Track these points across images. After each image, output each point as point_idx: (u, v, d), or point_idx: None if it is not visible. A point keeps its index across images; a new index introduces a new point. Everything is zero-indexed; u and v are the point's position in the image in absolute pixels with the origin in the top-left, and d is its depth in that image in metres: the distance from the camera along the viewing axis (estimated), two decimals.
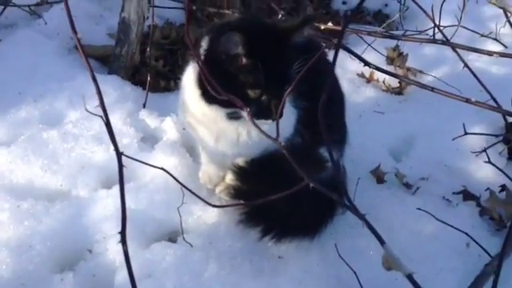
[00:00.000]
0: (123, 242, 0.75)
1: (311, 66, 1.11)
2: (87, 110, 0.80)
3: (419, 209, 1.37)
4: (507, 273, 1.22)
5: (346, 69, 2.11)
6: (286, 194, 1.14)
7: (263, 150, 1.18)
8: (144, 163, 0.98)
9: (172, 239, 1.23)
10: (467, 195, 1.55)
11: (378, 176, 1.56)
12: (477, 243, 1.32)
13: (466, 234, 1.33)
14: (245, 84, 1.04)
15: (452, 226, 1.33)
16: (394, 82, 2.02)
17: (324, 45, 1.26)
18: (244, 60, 1.04)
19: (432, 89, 1.17)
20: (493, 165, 1.35)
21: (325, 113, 1.21)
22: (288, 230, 1.24)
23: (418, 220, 1.40)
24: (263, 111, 1.06)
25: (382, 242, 0.75)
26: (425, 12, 1.56)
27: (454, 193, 1.55)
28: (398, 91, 2.00)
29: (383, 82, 2.02)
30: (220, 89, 0.97)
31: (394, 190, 1.53)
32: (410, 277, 0.70)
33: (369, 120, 1.84)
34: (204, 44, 1.11)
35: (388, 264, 0.72)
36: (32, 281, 1.07)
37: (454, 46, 1.29)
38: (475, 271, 1.24)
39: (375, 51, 2.08)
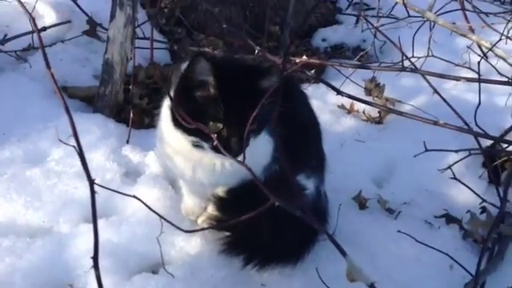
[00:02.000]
0: (95, 266, 0.75)
1: (287, 97, 1.16)
2: (61, 141, 0.82)
3: (399, 231, 1.38)
4: None
5: (328, 101, 2.17)
6: (266, 221, 1.17)
7: (241, 179, 1.20)
8: (117, 192, 1.00)
9: (154, 271, 1.22)
10: (449, 218, 1.57)
11: (360, 202, 1.58)
12: (459, 264, 1.33)
13: (448, 255, 1.34)
14: (207, 115, 1.07)
15: (434, 248, 1.34)
16: (373, 112, 2.07)
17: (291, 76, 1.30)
18: (210, 90, 1.07)
19: (401, 113, 1.22)
20: (458, 180, 1.39)
21: (300, 140, 1.26)
22: (271, 257, 1.24)
23: (400, 244, 1.41)
24: (222, 146, 1.07)
25: (344, 254, 0.76)
26: (393, 43, 1.64)
27: (435, 216, 1.58)
28: (378, 120, 2.05)
29: (363, 112, 2.07)
30: (186, 115, 1.00)
31: (377, 216, 1.55)
32: (372, 286, 0.71)
33: (350, 149, 1.89)
34: (183, 68, 1.16)
35: (351, 276, 0.73)
36: None
37: (422, 73, 1.34)
38: None
39: (354, 83, 2.15)
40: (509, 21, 2.13)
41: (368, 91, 2.14)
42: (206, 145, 1.10)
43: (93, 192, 0.78)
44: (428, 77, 1.54)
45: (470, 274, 1.31)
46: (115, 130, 1.70)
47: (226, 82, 1.06)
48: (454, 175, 1.36)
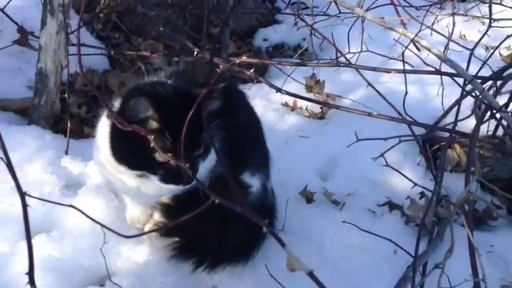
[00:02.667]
0: (31, 282, 0.72)
1: (225, 98, 1.17)
2: None
3: (345, 222, 1.42)
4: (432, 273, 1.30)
5: (271, 100, 2.20)
6: (214, 222, 1.17)
7: None
8: (52, 202, 0.96)
9: (102, 284, 1.19)
10: (391, 205, 1.64)
11: (307, 196, 1.61)
12: (402, 249, 1.39)
13: (391, 241, 1.39)
14: (153, 148, 1.04)
15: (377, 235, 1.40)
16: (316, 108, 2.12)
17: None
18: (153, 124, 1.06)
19: (338, 107, 1.26)
20: (392, 168, 1.47)
21: (241, 139, 1.27)
22: (220, 258, 1.24)
23: (347, 234, 1.46)
24: (172, 176, 1.08)
25: (282, 244, 0.78)
26: (328, 40, 1.69)
27: (378, 205, 1.64)
28: (320, 116, 2.10)
29: (306, 109, 2.12)
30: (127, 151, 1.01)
31: (323, 208, 1.59)
32: (311, 274, 0.73)
33: (295, 145, 1.92)
34: (116, 104, 1.14)
35: (291, 266, 0.75)
36: None
37: (355, 68, 1.39)
38: None
39: (295, 81, 2.19)
40: (427, 11, 2.24)
41: (309, 88, 2.19)
42: (152, 176, 1.08)
43: (25, 205, 0.75)
44: (364, 71, 1.60)
45: (412, 256, 1.37)
46: (53, 142, 1.63)
47: (169, 113, 1.05)
48: (386, 163, 1.42)
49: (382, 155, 1.40)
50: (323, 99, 2.17)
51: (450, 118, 1.92)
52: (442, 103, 1.97)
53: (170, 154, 1.05)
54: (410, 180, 1.52)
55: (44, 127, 1.73)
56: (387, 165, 1.41)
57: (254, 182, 1.32)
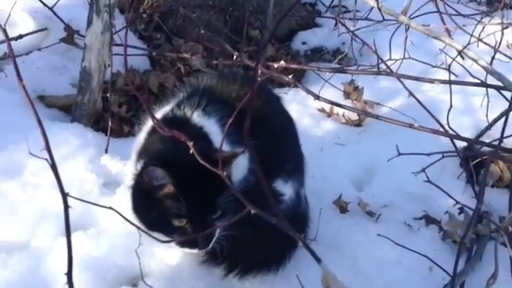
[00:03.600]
0: (69, 282, 0.74)
1: (258, 103, 1.16)
2: (32, 154, 0.81)
3: (379, 235, 1.39)
4: None
5: (308, 105, 2.18)
6: (246, 229, 1.16)
7: None
8: (93, 204, 0.99)
9: (135, 284, 1.21)
10: (428, 220, 1.59)
11: (341, 206, 1.59)
12: (438, 266, 1.35)
13: (427, 257, 1.35)
14: (169, 212, 1.06)
15: (413, 251, 1.36)
16: (353, 115, 2.09)
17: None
18: (169, 189, 1.07)
19: (377, 117, 1.23)
20: (432, 183, 1.41)
21: (274, 146, 1.26)
22: (252, 265, 1.24)
23: (381, 247, 1.43)
24: (187, 240, 1.09)
25: (318, 260, 0.77)
26: (368, 46, 1.66)
27: (415, 218, 1.59)
28: (357, 123, 2.07)
29: (343, 115, 2.09)
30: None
31: (357, 219, 1.56)
32: None
33: (330, 152, 1.90)
34: (138, 167, 1.15)
35: (326, 282, 0.74)
36: None
37: (397, 77, 1.36)
38: None
39: (333, 87, 2.17)
40: (478, 22, 2.16)
41: (347, 94, 2.16)
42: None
43: (66, 206, 0.77)
44: (405, 79, 1.56)
45: (449, 275, 1.33)
46: (93, 140, 1.68)
47: (183, 179, 1.05)
48: (427, 179, 1.38)
49: (423, 170, 1.36)
50: (361, 106, 2.13)
51: (494, 131, 1.86)
52: (487, 116, 1.89)
53: (184, 221, 1.06)
54: (452, 197, 1.48)
55: (86, 125, 1.79)
56: (428, 181, 1.37)
57: (286, 189, 1.31)
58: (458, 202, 1.44)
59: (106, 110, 1.90)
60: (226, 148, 1.10)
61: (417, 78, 1.24)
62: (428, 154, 1.41)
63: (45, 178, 1.44)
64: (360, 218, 1.57)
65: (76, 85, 1.94)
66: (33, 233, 1.29)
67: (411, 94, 1.53)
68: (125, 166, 1.57)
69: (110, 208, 0.94)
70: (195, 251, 1.10)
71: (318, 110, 2.14)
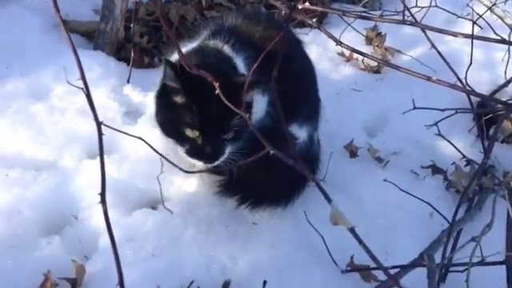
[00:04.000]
0: (103, 202, 0.82)
1: (280, 50, 1.18)
2: (69, 83, 0.86)
3: (386, 180, 1.45)
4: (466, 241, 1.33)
5: (328, 48, 2.18)
6: (260, 166, 1.23)
7: None
8: (123, 132, 1.04)
9: (153, 207, 1.30)
10: (435, 169, 1.65)
11: (351, 150, 1.64)
12: (439, 213, 1.42)
13: (429, 204, 1.42)
14: (182, 121, 1.10)
15: (415, 197, 1.43)
16: (372, 62, 2.08)
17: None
18: (182, 97, 1.10)
19: (397, 67, 1.24)
20: (443, 137, 1.45)
21: (293, 91, 1.29)
22: (263, 199, 1.32)
23: (385, 191, 1.49)
24: (196, 152, 1.13)
25: (329, 200, 0.83)
26: None
27: (422, 167, 1.65)
28: (376, 70, 2.07)
29: (362, 61, 2.08)
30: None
31: (366, 164, 1.61)
32: (352, 230, 0.79)
33: (346, 97, 1.92)
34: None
35: (335, 219, 0.81)
36: (21, 243, 1.14)
37: (421, 27, 1.35)
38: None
39: (355, 31, 2.15)
40: None
41: (369, 40, 2.14)
42: (179, 148, 1.15)
43: (100, 133, 0.83)
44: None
45: (448, 222, 1.40)
46: (116, 69, 1.72)
47: (196, 90, 1.06)
48: (439, 132, 1.41)
49: (435, 124, 1.39)
50: (382, 53, 2.12)
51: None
52: (505, 72, 1.88)
53: (197, 133, 1.10)
54: (459, 151, 1.51)
55: (108, 53, 1.82)
56: (439, 134, 1.40)
57: (301, 133, 1.36)
58: (464, 156, 1.48)
59: (128, 40, 1.92)
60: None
61: (440, 31, 1.23)
62: (442, 110, 1.43)
63: (71, 102, 1.50)
64: (368, 163, 1.63)
65: (98, 11, 1.95)
66: (59, 154, 1.37)
67: (433, 45, 1.53)
68: (146, 97, 1.62)
69: (140, 138, 1.00)
70: (201, 164, 1.15)
71: (338, 53, 2.14)
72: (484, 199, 1.50)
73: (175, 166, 1.03)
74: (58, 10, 0.85)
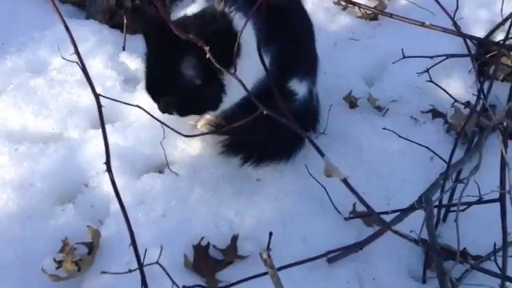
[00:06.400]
0: (108, 170, 0.85)
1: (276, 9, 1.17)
2: (64, 58, 0.87)
3: (385, 128, 1.47)
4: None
5: None
6: (261, 123, 1.25)
7: None
8: (122, 102, 1.07)
9: (160, 170, 1.35)
10: (435, 113, 1.66)
11: (351, 101, 1.65)
12: (438, 156, 1.44)
13: (428, 148, 1.44)
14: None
15: (415, 142, 1.45)
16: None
17: None
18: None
19: (391, 15, 1.23)
20: (435, 84, 1.45)
21: (292, 46, 1.29)
22: (265, 155, 1.35)
23: (386, 139, 1.51)
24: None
25: (321, 154, 0.86)
26: None
27: (422, 112, 1.66)
28: (373, 17, 2.04)
29: (359, 8, 2.05)
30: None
31: (366, 114, 1.63)
32: (345, 181, 0.82)
33: (344, 48, 1.91)
34: None
35: (328, 172, 0.84)
36: (37, 213, 1.20)
37: None
38: None
39: None
40: None
41: None
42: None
43: (99, 106, 0.85)
44: None
45: (446, 163, 1.43)
46: (110, 37, 1.71)
47: (151, 40, 1.19)
48: (430, 78, 1.41)
49: (427, 71, 1.39)
50: None
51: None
52: (502, 10, 1.85)
53: None
54: (452, 96, 1.51)
55: (101, 21, 1.81)
56: (431, 80, 1.40)
57: (301, 88, 1.37)
58: (456, 101, 1.49)
59: (120, 6, 1.90)
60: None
61: None
62: (431, 57, 1.43)
63: (70, 74, 1.52)
64: (368, 112, 1.64)
65: None
66: (64, 125, 1.40)
67: None
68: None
69: (138, 106, 1.02)
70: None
71: (334, 2, 2.11)
72: (483, 140, 1.52)
73: (174, 131, 1.06)
74: None
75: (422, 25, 1.18)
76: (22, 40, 1.63)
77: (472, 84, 1.80)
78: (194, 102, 1.21)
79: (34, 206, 1.21)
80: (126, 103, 1.04)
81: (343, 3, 2.09)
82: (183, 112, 1.26)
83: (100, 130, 1.39)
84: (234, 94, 1.22)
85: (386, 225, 0.93)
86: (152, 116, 1.06)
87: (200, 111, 1.29)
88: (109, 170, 0.84)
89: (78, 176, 1.30)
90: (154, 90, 1.23)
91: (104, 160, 1.31)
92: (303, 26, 1.39)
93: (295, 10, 1.37)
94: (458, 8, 1.31)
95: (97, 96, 0.84)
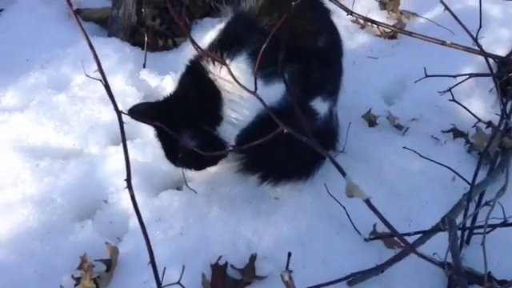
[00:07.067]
0: (129, 187, 0.85)
1: (308, 20, 1.17)
2: (88, 76, 0.89)
3: (405, 147, 1.45)
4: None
5: (342, 16, 2.12)
6: (280, 141, 1.24)
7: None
8: (142, 121, 1.07)
9: (178, 187, 1.35)
10: (456, 132, 1.64)
11: (370, 120, 1.64)
12: (460, 176, 1.41)
13: (450, 168, 1.42)
14: None
15: (436, 162, 1.42)
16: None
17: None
18: None
19: (410, 33, 1.22)
20: (457, 102, 1.43)
21: (319, 66, 1.29)
22: (284, 174, 1.34)
23: (406, 158, 1.49)
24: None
25: (343, 173, 0.85)
26: None
27: (442, 131, 1.64)
28: (392, 35, 2.04)
29: (377, 27, 2.05)
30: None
31: (385, 133, 1.61)
32: (367, 201, 0.80)
33: (362, 66, 1.90)
34: None
35: (350, 192, 0.82)
36: (57, 229, 1.20)
37: None
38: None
39: None
40: None
41: (383, 5, 2.10)
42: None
43: (121, 123, 0.86)
44: None
45: (469, 184, 1.40)
46: (131, 54, 1.74)
47: None
48: (452, 97, 1.40)
49: (449, 90, 1.37)
50: (397, 17, 2.08)
51: None
52: None
53: None
54: (475, 116, 1.49)
55: (122, 39, 1.84)
56: (453, 100, 1.39)
57: (323, 107, 1.36)
58: (479, 120, 1.46)
59: (140, 24, 1.93)
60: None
61: None
62: (454, 76, 1.41)
63: (91, 91, 1.54)
64: (388, 131, 1.63)
65: None
66: (85, 142, 1.42)
67: (446, 7, 1.49)
68: (162, 81, 1.64)
69: (160, 126, 1.02)
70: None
71: (352, 21, 2.11)
72: (506, 160, 1.49)
73: (194, 148, 1.06)
74: (70, 4, 0.87)
75: (443, 43, 1.17)
76: (45, 57, 1.67)
77: (493, 104, 1.78)
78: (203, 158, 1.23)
79: (54, 221, 1.22)
80: (145, 122, 1.04)
81: (361, 22, 2.09)
82: (199, 167, 1.29)
83: (119, 147, 1.41)
84: (247, 115, 1.23)
85: (410, 246, 0.91)
86: (171, 133, 1.06)
87: (213, 162, 1.31)
88: (129, 186, 0.85)
89: (98, 192, 1.30)
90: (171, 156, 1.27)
91: (123, 177, 1.32)
92: (331, 45, 1.38)
93: (323, 29, 1.36)
94: (481, 27, 1.30)
95: (119, 113, 0.85)
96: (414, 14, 2.11)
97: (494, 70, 1.84)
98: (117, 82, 1.60)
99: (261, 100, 0.96)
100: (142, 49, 1.79)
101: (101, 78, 0.84)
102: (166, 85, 1.62)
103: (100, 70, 0.85)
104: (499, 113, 1.67)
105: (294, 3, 0.88)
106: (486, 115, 1.70)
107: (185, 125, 1.18)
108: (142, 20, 1.93)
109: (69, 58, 1.67)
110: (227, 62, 1.12)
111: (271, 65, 1.06)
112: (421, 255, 0.86)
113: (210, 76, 1.19)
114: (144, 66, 1.71)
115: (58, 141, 1.42)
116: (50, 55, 1.67)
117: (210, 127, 1.20)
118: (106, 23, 1.93)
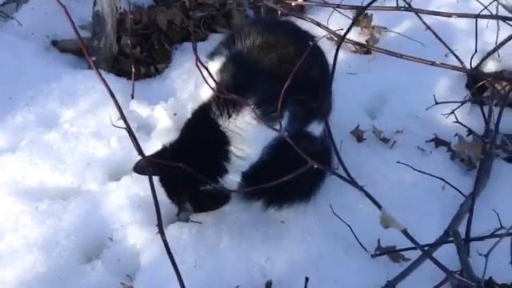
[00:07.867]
0: (161, 232, 0.86)
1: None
2: (114, 125, 0.89)
3: (399, 162, 1.52)
4: (480, 209, 1.40)
5: (315, 34, 2.20)
6: (282, 166, 1.28)
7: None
8: (159, 161, 1.08)
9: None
10: (439, 142, 1.72)
11: (358, 135, 1.69)
12: (451, 185, 1.49)
13: (441, 178, 1.49)
14: None
15: (428, 174, 1.49)
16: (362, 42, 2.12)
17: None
18: None
19: (401, 56, 1.29)
20: (458, 121, 1.52)
21: (314, 96, 1.34)
22: (287, 197, 1.37)
23: (397, 171, 1.55)
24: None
25: (378, 206, 0.89)
26: None
27: (426, 141, 1.71)
28: (367, 50, 2.11)
29: (353, 45, 2.12)
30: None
31: (374, 147, 1.67)
32: (405, 232, 0.84)
33: (342, 82, 1.93)
34: None
35: (385, 223, 0.86)
36: (66, 273, 1.18)
37: (416, 11, 1.40)
38: (453, 211, 1.41)
39: (341, 14, 2.17)
40: None
41: (356, 22, 2.17)
42: None
43: (149, 169, 0.85)
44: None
45: (460, 193, 1.49)
46: (117, 85, 1.71)
47: None
48: (435, 101, 1.48)
49: (436, 103, 1.45)
50: (370, 32, 2.16)
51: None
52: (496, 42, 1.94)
53: None
54: (461, 123, 1.58)
55: (105, 70, 1.82)
56: (458, 122, 1.49)
57: (318, 129, 1.40)
58: (465, 126, 1.56)
59: (120, 53, 1.92)
60: None
61: (436, 13, 1.29)
62: (462, 103, 1.52)
63: (83, 126, 1.52)
64: (376, 145, 1.68)
65: (84, 27, 1.94)
66: (83, 179, 1.40)
67: (429, 27, 1.58)
68: (154, 111, 1.64)
69: (179, 165, 1.03)
70: None
71: (327, 38, 2.17)
72: (490, 165, 1.58)
73: (204, 179, 1.07)
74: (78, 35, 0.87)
75: (433, 64, 1.24)
76: (29, 94, 1.63)
77: (469, 110, 1.88)
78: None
79: (62, 265, 1.19)
80: (162, 161, 1.05)
81: (336, 39, 2.15)
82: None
83: (118, 182, 1.40)
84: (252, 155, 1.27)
85: (426, 253, 0.95)
86: (170, 164, 1.07)
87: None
88: (161, 232, 0.84)
89: (102, 230, 1.29)
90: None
91: (126, 212, 1.31)
92: (322, 74, 1.43)
93: (315, 60, 1.41)
94: (476, 52, 1.37)
95: (145, 158, 0.85)
96: (385, 29, 2.19)
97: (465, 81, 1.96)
98: (108, 116, 1.57)
99: (285, 136, 0.99)
100: (127, 78, 1.78)
101: (125, 126, 0.84)
102: (157, 115, 1.62)
103: (123, 118, 0.85)
104: (476, 119, 1.78)
105: (311, 43, 0.92)
106: (465, 122, 1.79)
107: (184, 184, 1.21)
108: (122, 49, 1.92)
109: (54, 93, 1.64)
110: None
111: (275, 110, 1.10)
112: (437, 263, 0.90)
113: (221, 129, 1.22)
114: (132, 97, 1.70)
115: (55, 180, 1.39)
116: (33, 92, 1.63)
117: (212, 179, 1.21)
118: (82, 54, 1.91)
